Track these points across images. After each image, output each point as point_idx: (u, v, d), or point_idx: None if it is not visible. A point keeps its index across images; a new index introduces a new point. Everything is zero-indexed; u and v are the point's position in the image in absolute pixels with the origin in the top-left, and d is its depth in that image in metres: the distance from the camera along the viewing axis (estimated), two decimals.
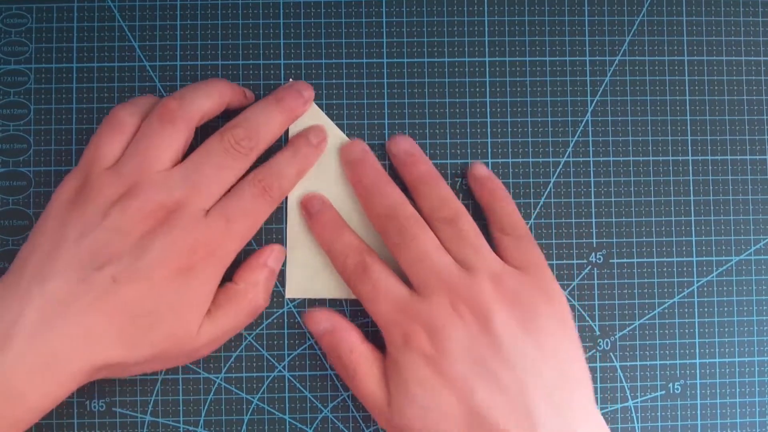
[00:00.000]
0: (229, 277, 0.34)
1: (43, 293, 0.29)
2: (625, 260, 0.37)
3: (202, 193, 0.32)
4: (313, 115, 0.36)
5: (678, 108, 0.38)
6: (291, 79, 0.37)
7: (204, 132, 0.34)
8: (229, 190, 0.33)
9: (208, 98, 0.33)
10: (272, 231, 0.36)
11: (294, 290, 0.36)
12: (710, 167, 0.38)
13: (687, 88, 0.38)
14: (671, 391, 0.37)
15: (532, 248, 0.34)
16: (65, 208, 0.31)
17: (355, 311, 0.36)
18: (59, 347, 0.29)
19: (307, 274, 0.36)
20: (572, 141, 0.37)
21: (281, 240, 0.36)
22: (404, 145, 0.36)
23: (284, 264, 0.36)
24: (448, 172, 0.37)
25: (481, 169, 0.36)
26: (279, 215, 0.36)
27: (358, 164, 0.35)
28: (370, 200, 0.34)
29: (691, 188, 0.37)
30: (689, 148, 0.38)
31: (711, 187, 0.37)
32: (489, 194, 0.35)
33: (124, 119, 0.33)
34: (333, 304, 0.36)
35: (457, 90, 0.37)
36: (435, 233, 0.33)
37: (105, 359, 0.30)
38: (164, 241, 0.31)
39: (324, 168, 0.36)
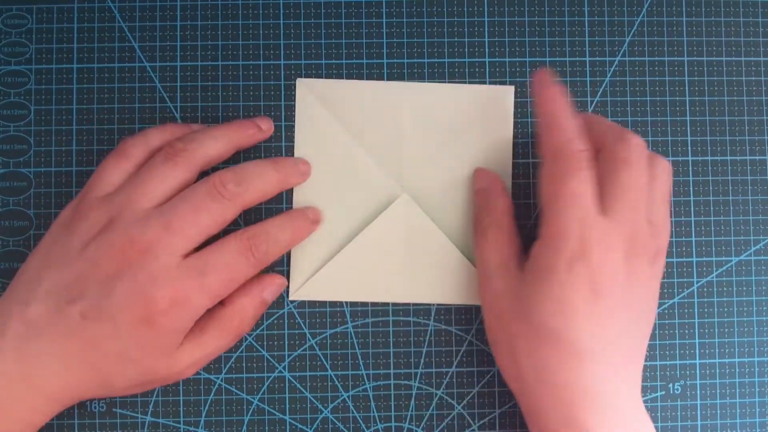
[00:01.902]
0: None
1: (23, 316, 0.30)
2: None
3: (176, 235, 0.30)
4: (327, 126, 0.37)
5: (678, 108, 0.38)
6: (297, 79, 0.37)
7: None
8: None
9: (215, 141, 0.33)
10: None
11: (297, 292, 0.36)
12: (710, 168, 0.38)
13: (687, 88, 0.38)
14: (671, 392, 0.37)
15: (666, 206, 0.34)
16: (58, 232, 0.32)
17: (355, 311, 0.36)
18: (36, 367, 0.30)
19: (310, 276, 0.36)
20: None
21: None
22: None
23: (287, 264, 0.36)
24: None
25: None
26: None
27: (546, 88, 0.33)
28: (587, 116, 0.34)
29: (691, 189, 0.37)
30: (689, 148, 0.38)
31: (711, 188, 0.37)
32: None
33: (128, 150, 0.33)
34: (333, 305, 0.36)
35: None
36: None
37: (79, 387, 0.31)
38: (129, 285, 0.30)
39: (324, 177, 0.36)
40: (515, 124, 0.37)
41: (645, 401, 0.36)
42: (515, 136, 0.37)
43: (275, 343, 0.36)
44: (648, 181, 0.32)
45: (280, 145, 0.36)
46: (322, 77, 0.37)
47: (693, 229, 0.37)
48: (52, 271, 0.31)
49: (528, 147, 0.37)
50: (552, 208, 0.31)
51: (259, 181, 0.32)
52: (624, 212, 0.31)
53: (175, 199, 0.31)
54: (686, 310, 0.37)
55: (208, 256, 0.31)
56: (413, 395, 0.36)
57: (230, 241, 0.32)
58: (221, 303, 0.33)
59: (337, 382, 0.36)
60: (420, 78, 0.37)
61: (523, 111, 0.37)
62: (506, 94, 0.37)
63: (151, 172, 0.32)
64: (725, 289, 0.37)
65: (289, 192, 0.36)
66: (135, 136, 0.34)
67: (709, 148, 0.38)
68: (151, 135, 0.34)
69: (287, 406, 0.36)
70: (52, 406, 0.31)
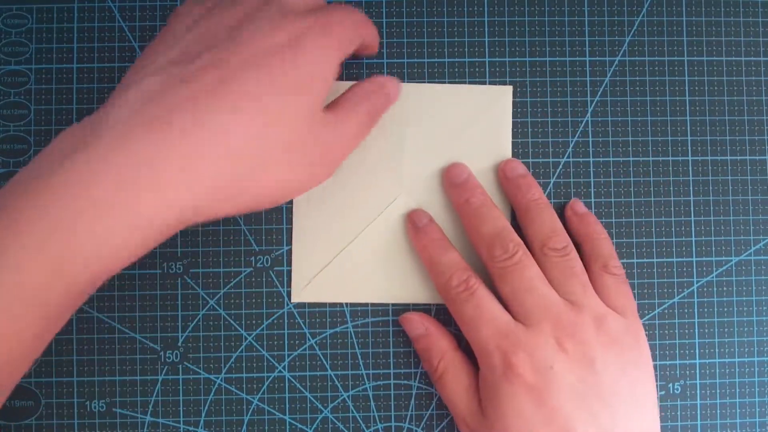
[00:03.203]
0: None
1: (139, 88, 0.27)
2: (625, 260, 0.37)
3: None
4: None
5: (678, 108, 0.38)
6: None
7: None
8: None
9: None
10: (273, 231, 0.36)
11: (299, 294, 0.36)
12: (710, 168, 0.38)
13: (687, 88, 0.38)
14: (671, 392, 0.37)
15: (628, 291, 0.34)
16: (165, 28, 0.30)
17: (355, 311, 0.36)
18: (142, 153, 0.25)
19: (312, 278, 0.36)
20: (572, 141, 0.37)
21: (286, 241, 0.36)
22: (520, 170, 0.36)
23: (290, 264, 0.36)
24: None
25: (581, 206, 0.36)
26: (289, 216, 0.36)
27: (464, 186, 0.35)
28: (476, 222, 0.34)
29: (691, 189, 0.37)
30: (689, 148, 0.38)
31: (711, 188, 0.37)
32: (590, 230, 0.35)
33: None
34: (333, 305, 0.36)
35: None
36: (541, 262, 0.33)
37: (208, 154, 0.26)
38: (247, 31, 0.28)
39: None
40: (514, 124, 0.37)
41: None
42: (514, 136, 0.37)
43: (275, 342, 0.36)
44: (543, 268, 0.33)
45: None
46: None
47: (693, 229, 0.37)
48: (174, 39, 0.29)
49: (528, 147, 0.37)
50: (469, 338, 0.33)
51: None
52: (532, 311, 0.32)
53: None
54: (686, 310, 0.37)
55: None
56: (413, 395, 0.36)
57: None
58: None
59: (337, 382, 0.36)
60: (420, 78, 0.37)
61: (522, 111, 0.37)
62: (504, 94, 0.37)
63: None
64: (725, 289, 0.37)
65: None
66: None
67: (709, 148, 0.38)
68: None
69: (287, 406, 0.36)
70: (163, 194, 0.25)
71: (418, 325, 0.35)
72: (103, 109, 0.27)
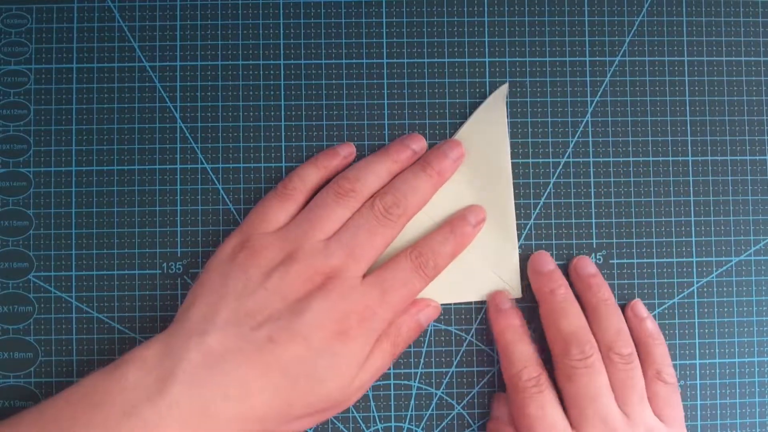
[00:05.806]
0: None
1: (202, 346, 0.30)
2: (625, 261, 0.37)
3: (358, 259, 0.33)
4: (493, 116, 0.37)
5: (678, 108, 0.38)
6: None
7: None
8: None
9: (377, 177, 0.35)
10: None
11: None
12: (710, 168, 0.38)
13: (687, 88, 0.38)
14: None
15: (678, 401, 0.34)
16: (227, 265, 0.33)
17: None
18: (212, 399, 0.29)
19: None
20: (572, 141, 0.37)
21: None
22: (591, 269, 0.36)
23: None
24: None
25: (642, 309, 0.36)
26: None
27: (550, 276, 0.36)
28: (557, 317, 0.35)
29: (691, 189, 0.37)
30: (689, 148, 0.38)
31: (711, 188, 0.37)
32: (647, 334, 0.35)
33: (290, 193, 0.35)
34: None
35: (457, 90, 0.37)
36: (605, 365, 0.34)
37: (257, 415, 0.30)
38: (321, 305, 0.32)
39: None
40: (513, 124, 0.37)
41: None
42: (514, 136, 0.37)
43: None
44: (606, 371, 0.33)
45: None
46: (322, 77, 0.37)
47: (693, 229, 0.37)
48: (229, 301, 0.32)
49: (528, 147, 0.37)
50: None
51: (415, 195, 0.35)
52: (591, 421, 0.32)
53: (350, 228, 0.34)
54: (686, 310, 0.37)
55: (385, 275, 0.33)
56: (413, 395, 0.36)
57: (401, 260, 0.34)
58: None
59: None
60: (420, 77, 0.37)
61: (522, 111, 0.37)
62: (500, 91, 0.37)
63: (325, 210, 0.34)
64: (725, 289, 0.37)
65: None
66: (293, 178, 0.35)
67: (709, 148, 0.38)
68: (307, 174, 0.35)
69: None
70: None
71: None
72: (170, 355, 0.30)
